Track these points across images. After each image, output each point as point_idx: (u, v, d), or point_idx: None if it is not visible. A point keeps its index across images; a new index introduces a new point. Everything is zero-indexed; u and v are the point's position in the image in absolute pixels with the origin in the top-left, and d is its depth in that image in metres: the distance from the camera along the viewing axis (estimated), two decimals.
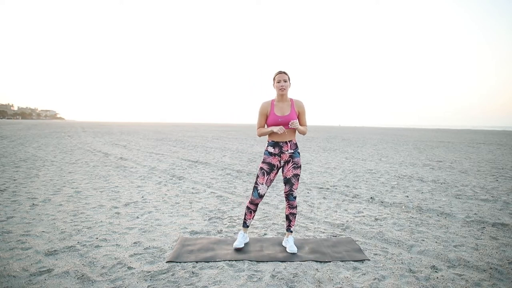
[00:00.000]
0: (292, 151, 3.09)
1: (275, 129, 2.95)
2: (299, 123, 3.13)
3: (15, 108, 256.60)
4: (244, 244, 3.22)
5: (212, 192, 5.56)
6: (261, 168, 3.11)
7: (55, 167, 7.84)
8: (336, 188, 5.93)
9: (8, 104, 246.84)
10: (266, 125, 3.14)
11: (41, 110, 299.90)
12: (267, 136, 3.12)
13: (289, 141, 3.07)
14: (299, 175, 3.12)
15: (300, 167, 3.12)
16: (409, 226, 3.88)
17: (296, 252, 3.04)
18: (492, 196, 5.39)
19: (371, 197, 5.27)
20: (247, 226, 3.25)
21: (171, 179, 6.67)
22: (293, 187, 3.10)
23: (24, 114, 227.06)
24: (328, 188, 5.92)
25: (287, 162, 3.10)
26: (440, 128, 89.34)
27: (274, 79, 3.05)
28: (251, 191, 5.43)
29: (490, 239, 3.48)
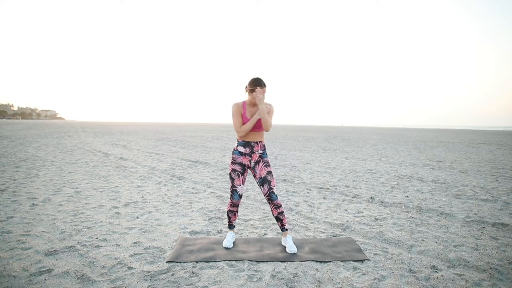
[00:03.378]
0: (262, 151, 3.14)
1: (259, 115, 2.95)
2: None
3: (15, 108, 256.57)
4: (244, 244, 3.24)
5: (212, 192, 5.56)
6: (234, 170, 3.12)
7: (55, 167, 7.84)
8: (336, 188, 5.93)
9: (8, 104, 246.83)
10: None
11: (41, 110, 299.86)
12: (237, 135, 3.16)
13: (259, 142, 3.11)
14: (272, 172, 3.15)
15: (270, 165, 3.16)
16: (409, 226, 3.88)
17: (295, 252, 3.04)
18: (492, 196, 5.39)
19: (371, 197, 5.27)
20: (234, 227, 3.32)
21: (171, 179, 6.67)
22: (271, 184, 3.10)
23: (24, 114, 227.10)
24: (328, 188, 5.91)
25: (257, 162, 3.12)
26: (440, 128, 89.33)
27: (254, 89, 2.97)
28: (247, 192, 5.45)
29: (490, 239, 3.48)
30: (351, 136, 26.96)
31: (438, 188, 6.07)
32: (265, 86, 3.01)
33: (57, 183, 5.95)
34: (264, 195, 3.13)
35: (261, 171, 3.11)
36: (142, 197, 5.11)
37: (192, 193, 5.48)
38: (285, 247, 3.16)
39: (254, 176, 3.15)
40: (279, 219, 3.15)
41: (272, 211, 3.15)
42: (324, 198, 5.24)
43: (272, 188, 3.10)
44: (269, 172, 3.12)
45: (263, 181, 3.10)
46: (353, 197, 5.30)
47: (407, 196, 5.36)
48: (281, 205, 3.14)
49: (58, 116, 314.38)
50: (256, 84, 2.99)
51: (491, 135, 33.75)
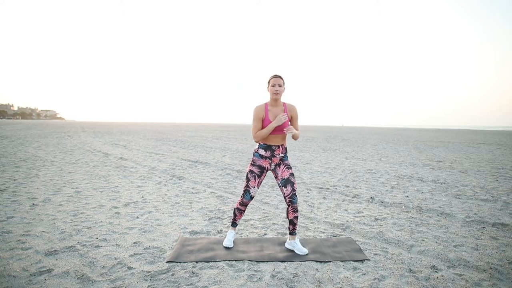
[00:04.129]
0: (283, 154, 3.10)
1: (277, 122, 2.93)
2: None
3: (15, 108, 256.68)
4: (244, 244, 3.24)
5: (212, 192, 5.56)
6: (252, 172, 3.08)
7: (55, 167, 7.84)
8: (336, 188, 5.93)
9: (8, 104, 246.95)
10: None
11: (41, 110, 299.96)
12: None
13: (281, 145, 3.07)
14: (294, 174, 3.11)
15: (291, 167, 3.13)
16: (409, 226, 3.88)
17: (307, 253, 3.02)
18: (492, 196, 5.39)
19: (371, 197, 5.27)
20: (237, 225, 3.30)
21: (171, 179, 6.67)
22: (294, 185, 3.07)
23: (24, 114, 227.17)
24: (328, 188, 5.91)
25: (277, 165, 3.09)
26: (440, 128, 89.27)
27: (269, 82, 3.03)
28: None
29: (490, 239, 3.48)
30: (351, 136, 26.96)
31: (438, 188, 6.07)
32: (280, 77, 2.99)
33: (57, 183, 5.95)
34: (285, 196, 3.06)
35: (283, 172, 3.07)
36: (142, 197, 5.11)
37: (192, 193, 5.48)
38: (285, 247, 3.16)
39: (276, 177, 3.11)
40: (293, 222, 3.10)
41: (288, 213, 3.09)
42: (324, 198, 5.24)
43: (295, 190, 3.07)
44: (292, 174, 3.08)
45: (286, 182, 3.05)
46: (353, 197, 5.30)
47: (407, 196, 5.36)
48: (298, 209, 3.10)
49: (58, 116, 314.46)
50: (272, 76, 3.01)
51: (491, 135, 33.74)
